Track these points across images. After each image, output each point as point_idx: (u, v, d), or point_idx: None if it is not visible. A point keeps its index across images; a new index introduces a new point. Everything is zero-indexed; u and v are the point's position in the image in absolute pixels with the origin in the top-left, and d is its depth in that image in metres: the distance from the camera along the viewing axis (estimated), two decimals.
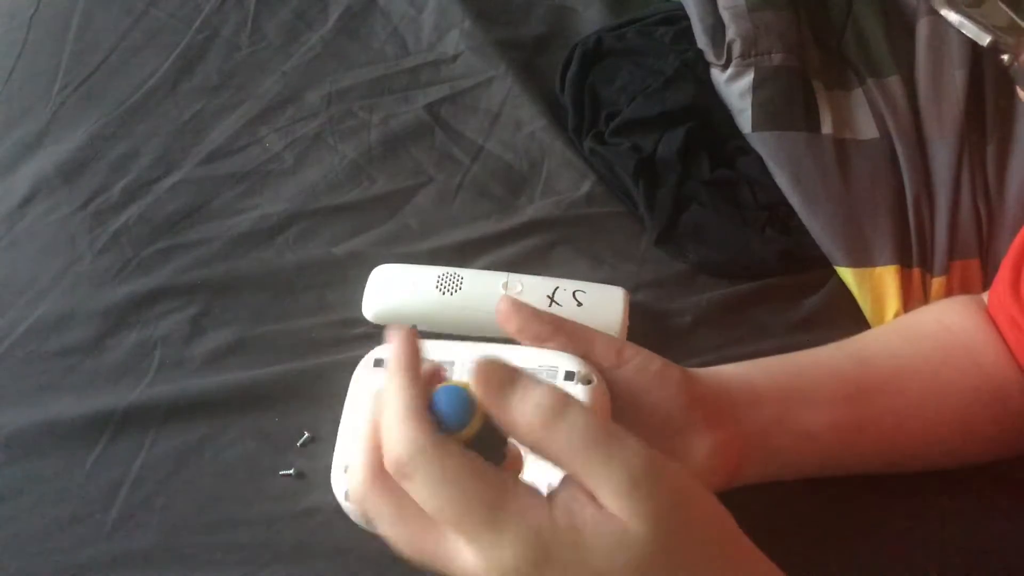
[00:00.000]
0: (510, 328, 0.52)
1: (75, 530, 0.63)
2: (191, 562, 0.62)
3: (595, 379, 0.49)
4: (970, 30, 0.42)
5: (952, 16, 0.42)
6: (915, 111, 0.81)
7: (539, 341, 0.52)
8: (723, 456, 0.56)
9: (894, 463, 0.63)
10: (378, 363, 0.55)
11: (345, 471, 0.51)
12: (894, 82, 0.82)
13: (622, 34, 0.92)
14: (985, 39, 0.42)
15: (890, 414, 0.61)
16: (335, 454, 0.55)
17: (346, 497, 0.51)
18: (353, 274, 0.76)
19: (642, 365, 0.54)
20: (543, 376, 0.48)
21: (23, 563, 0.61)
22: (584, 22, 0.97)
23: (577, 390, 0.48)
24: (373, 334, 0.73)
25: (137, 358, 0.72)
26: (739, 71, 0.83)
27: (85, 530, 0.63)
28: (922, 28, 0.84)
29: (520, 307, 0.52)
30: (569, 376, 0.48)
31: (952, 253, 0.76)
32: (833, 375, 0.62)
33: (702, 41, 0.86)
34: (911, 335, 0.65)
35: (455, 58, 0.94)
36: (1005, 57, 0.42)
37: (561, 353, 0.50)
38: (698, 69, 0.87)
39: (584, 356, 0.52)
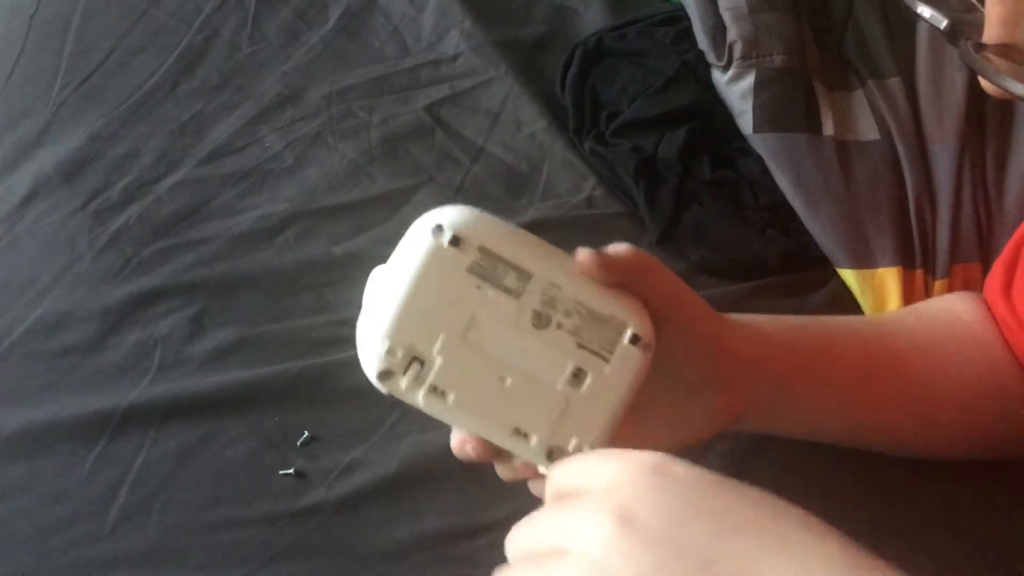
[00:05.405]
0: (595, 275, 0.49)
1: (75, 530, 0.62)
2: (191, 562, 0.61)
3: (652, 348, 0.49)
4: (927, 12, 0.41)
5: None
6: (916, 113, 0.81)
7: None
8: (722, 418, 0.56)
9: (893, 444, 0.63)
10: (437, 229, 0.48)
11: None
12: (895, 84, 0.82)
13: (623, 35, 0.92)
14: (942, 22, 0.41)
15: (898, 394, 0.61)
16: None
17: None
18: (353, 274, 0.75)
19: (690, 324, 0.52)
20: (611, 332, 0.47)
21: (23, 563, 0.61)
22: (584, 22, 0.97)
23: (634, 355, 0.48)
24: None
25: (137, 358, 0.71)
26: (740, 72, 0.83)
27: (85, 530, 0.62)
28: (923, 30, 0.84)
29: (604, 262, 0.49)
30: (634, 340, 0.48)
31: (954, 256, 0.76)
32: (855, 347, 0.61)
33: (703, 42, 0.86)
34: (926, 319, 0.65)
35: (455, 58, 0.94)
36: (962, 43, 0.41)
37: (631, 307, 0.48)
38: (699, 70, 0.86)
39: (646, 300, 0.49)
